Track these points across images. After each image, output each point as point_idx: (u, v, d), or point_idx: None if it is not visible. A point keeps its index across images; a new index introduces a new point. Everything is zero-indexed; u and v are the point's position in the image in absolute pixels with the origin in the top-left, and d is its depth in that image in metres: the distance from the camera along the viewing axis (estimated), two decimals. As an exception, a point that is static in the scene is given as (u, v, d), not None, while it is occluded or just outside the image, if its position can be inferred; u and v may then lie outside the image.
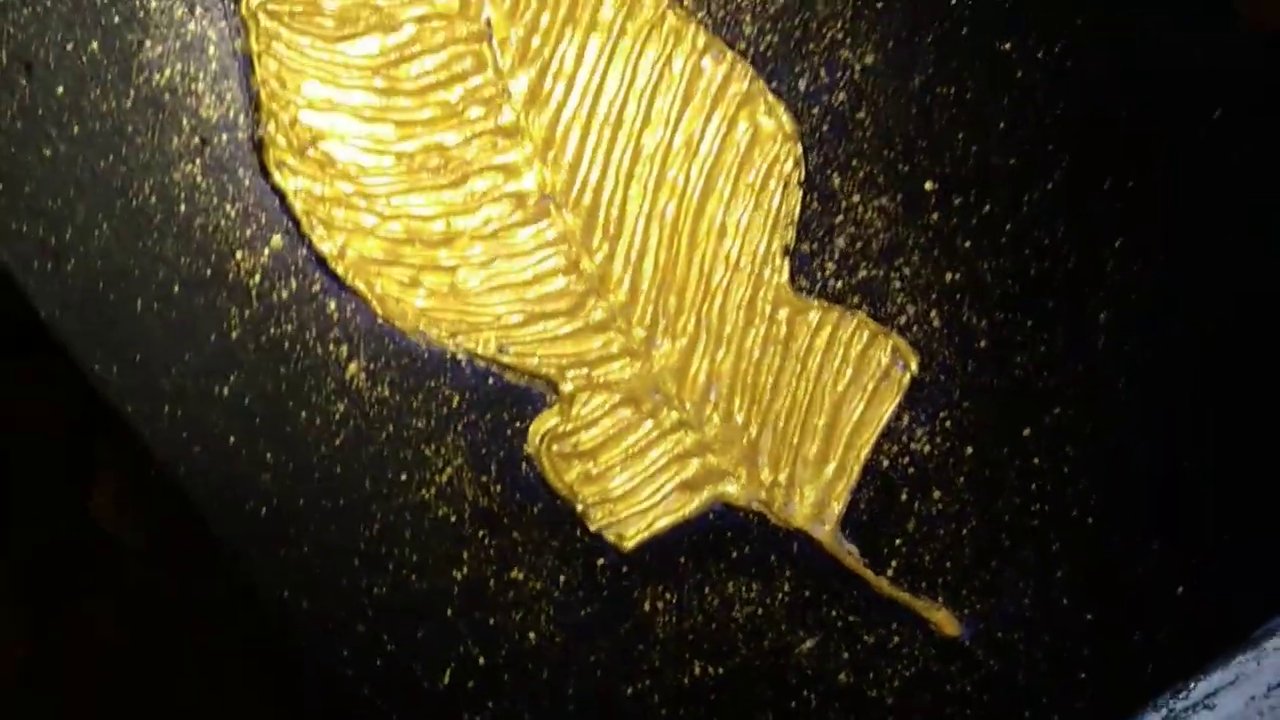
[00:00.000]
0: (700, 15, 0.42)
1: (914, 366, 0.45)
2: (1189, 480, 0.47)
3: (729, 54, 0.43)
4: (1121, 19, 0.44)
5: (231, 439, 0.43)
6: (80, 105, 0.40)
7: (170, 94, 0.40)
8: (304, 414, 0.43)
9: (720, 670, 0.46)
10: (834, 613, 0.46)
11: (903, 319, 0.45)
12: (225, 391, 0.42)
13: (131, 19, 0.39)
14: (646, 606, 0.45)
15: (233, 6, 0.40)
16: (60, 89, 0.40)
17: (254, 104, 0.41)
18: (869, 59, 0.43)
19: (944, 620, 0.47)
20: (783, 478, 0.45)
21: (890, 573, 0.46)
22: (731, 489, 0.45)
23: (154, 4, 0.40)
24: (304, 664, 0.44)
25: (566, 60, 0.42)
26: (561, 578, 0.45)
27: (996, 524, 0.47)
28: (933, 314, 0.45)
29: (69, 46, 0.39)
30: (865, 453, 0.46)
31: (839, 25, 0.43)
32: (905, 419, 0.46)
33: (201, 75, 0.40)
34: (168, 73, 0.40)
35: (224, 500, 0.43)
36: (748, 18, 0.43)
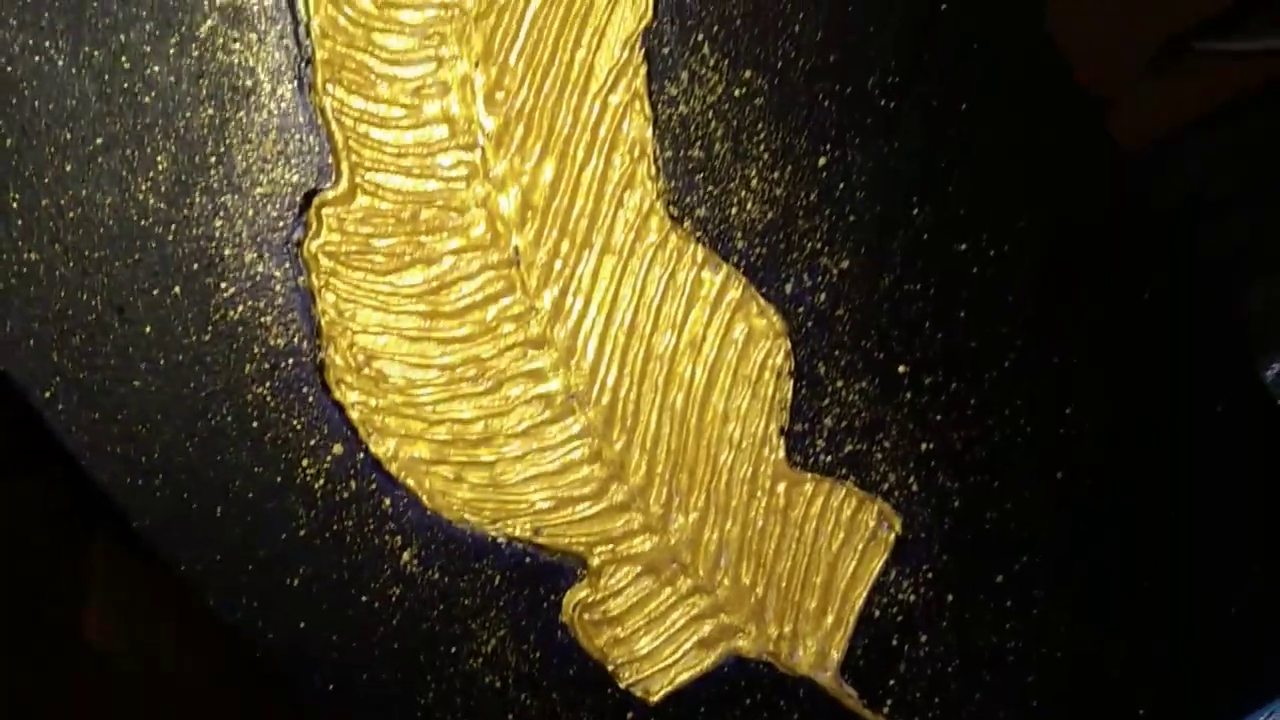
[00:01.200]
0: (698, 234, 0.49)
1: (897, 527, 0.52)
2: (1144, 614, 0.53)
3: (725, 266, 0.49)
4: (1055, 219, 0.51)
5: (301, 624, 0.48)
6: (165, 341, 0.46)
7: (243, 327, 0.46)
8: (364, 599, 0.48)
9: (740, 807, 0.52)
10: (839, 749, 0.52)
11: (885, 485, 0.51)
12: (295, 582, 0.48)
13: (209, 266, 0.46)
14: (672, 753, 0.51)
15: (295, 250, 0.46)
16: (148, 328, 0.46)
17: (315, 331, 0.47)
18: (845, 264, 0.50)
19: (935, 750, 0.53)
20: (788, 631, 0.51)
21: (886, 710, 0.52)
22: (743, 643, 0.51)
23: (227, 251, 0.46)
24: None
25: (584, 279, 0.48)
26: (596, 732, 0.51)
27: (977, 661, 0.53)
28: (911, 480, 0.51)
29: (155, 292, 0.45)
30: (859, 605, 0.52)
31: (817, 236, 0.49)
32: (892, 573, 0.52)
33: (270, 309, 0.46)
34: (240, 309, 0.46)
35: (295, 677, 0.48)
36: (739, 234, 0.49)
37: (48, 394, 0.45)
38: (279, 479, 0.47)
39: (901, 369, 0.51)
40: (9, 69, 0.43)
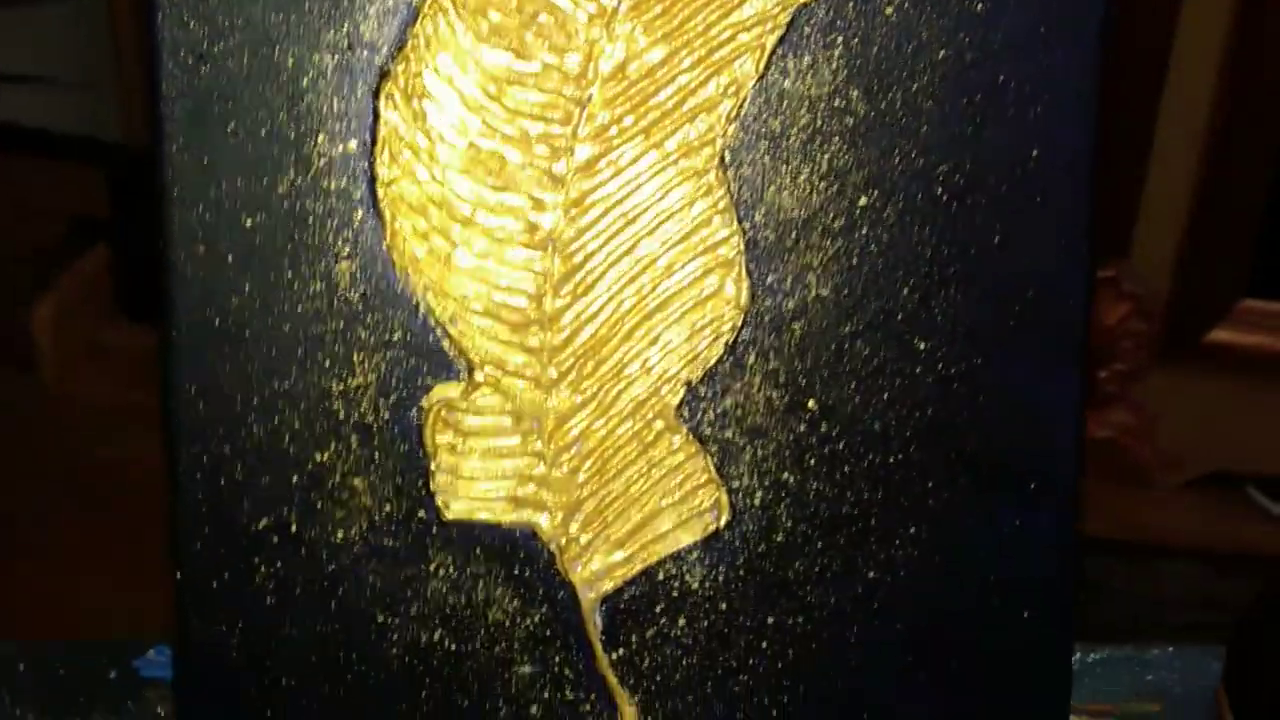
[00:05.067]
0: (733, 187, 0.53)
1: (722, 522, 0.56)
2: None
3: (736, 226, 0.54)
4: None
5: (231, 258, 0.52)
6: (286, -30, 0.50)
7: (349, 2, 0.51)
8: (290, 275, 0.52)
9: (452, 645, 0.55)
10: (557, 659, 0.56)
11: (735, 483, 0.55)
12: (250, 224, 0.52)
13: None
14: (431, 567, 0.55)
15: (427, -32, 0.51)
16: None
17: (400, 45, 0.51)
18: (825, 291, 0.54)
19: (630, 717, 0.56)
20: (584, 539, 0.55)
21: (614, 657, 0.56)
22: (544, 523, 0.55)
23: None
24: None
25: (625, 156, 0.53)
26: (387, 507, 0.54)
27: (710, 671, 0.57)
28: (758, 494, 0.56)
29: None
30: (652, 561, 0.56)
31: (820, 255, 0.54)
32: (693, 554, 0.56)
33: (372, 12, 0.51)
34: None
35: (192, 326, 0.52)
36: (763, 210, 0.54)
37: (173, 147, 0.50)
38: (293, 135, 0.51)
39: (810, 404, 0.55)
40: None
